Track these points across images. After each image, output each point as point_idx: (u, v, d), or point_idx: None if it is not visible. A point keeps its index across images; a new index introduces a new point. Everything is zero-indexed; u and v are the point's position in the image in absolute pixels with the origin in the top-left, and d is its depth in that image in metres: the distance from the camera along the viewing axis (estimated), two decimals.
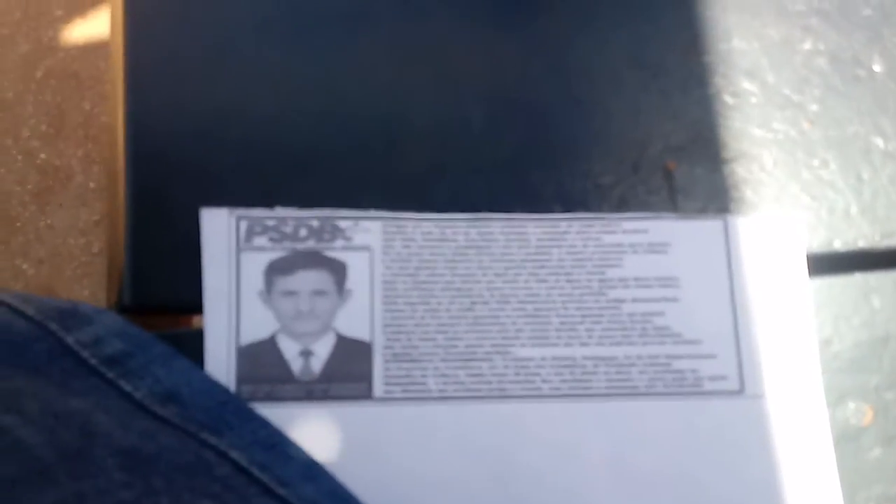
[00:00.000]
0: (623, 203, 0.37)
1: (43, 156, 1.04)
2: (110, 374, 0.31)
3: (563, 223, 0.37)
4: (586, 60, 0.39)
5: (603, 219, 0.37)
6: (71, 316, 0.32)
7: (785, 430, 0.35)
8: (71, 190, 1.04)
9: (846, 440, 0.36)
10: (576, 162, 0.38)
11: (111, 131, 0.41)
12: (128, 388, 0.31)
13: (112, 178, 0.40)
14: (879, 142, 0.38)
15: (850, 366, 0.37)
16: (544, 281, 0.36)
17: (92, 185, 1.04)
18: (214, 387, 0.33)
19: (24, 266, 1.01)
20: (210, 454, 0.29)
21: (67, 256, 1.01)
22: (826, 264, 0.38)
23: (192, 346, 0.34)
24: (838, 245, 0.38)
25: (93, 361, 0.31)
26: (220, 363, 0.34)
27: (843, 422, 0.36)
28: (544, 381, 0.35)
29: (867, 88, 0.39)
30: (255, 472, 0.29)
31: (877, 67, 0.39)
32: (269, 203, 0.36)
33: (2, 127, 1.01)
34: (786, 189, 0.38)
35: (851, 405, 0.36)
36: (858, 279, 0.37)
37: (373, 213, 0.36)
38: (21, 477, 0.24)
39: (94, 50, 1.07)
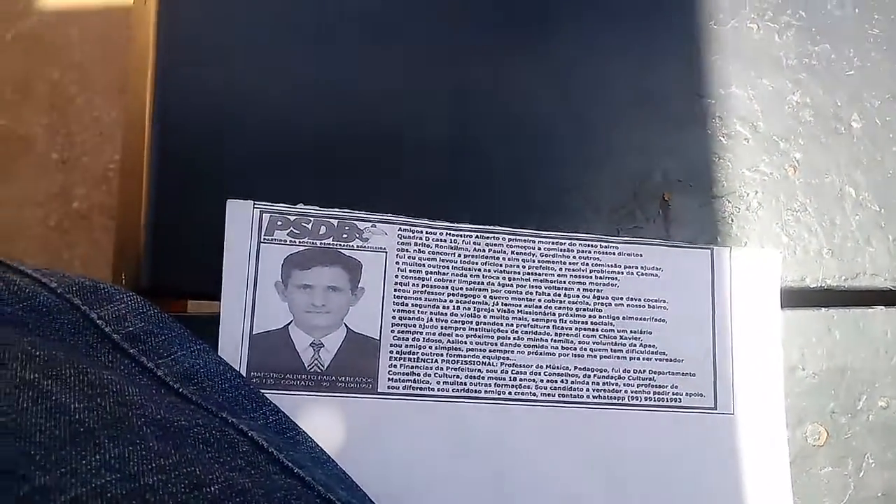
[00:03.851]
0: (621, 227, 0.40)
1: (4, 122, 1.01)
2: (132, 350, 0.32)
3: (566, 241, 0.39)
4: (597, 92, 0.41)
5: (602, 240, 0.39)
6: (92, 292, 0.32)
7: (749, 446, 0.39)
8: (31, 160, 1.01)
9: (802, 458, 0.40)
10: (581, 185, 0.40)
11: (131, 112, 0.41)
12: (150, 364, 0.32)
13: (130, 161, 0.41)
14: (852, 192, 0.42)
15: (811, 391, 0.40)
16: (545, 294, 0.39)
17: (54, 156, 1.02)
18: (229, 370, 0.34)
19: None
20: (231, 431, 0.30)
21: (22, 229, 0.99)
22: (797, 298, 0.41)
23: (203, 331, 0.35)
24: (809, 282, 0.41)
25: (115, 337, 0.31)
26: (232, 349, 0.35)
27: (801, 441, 0.40)
28: (538, 387, 0.38)
29: (845, 142, 0.43)
30: (274, 451, 0.30)
31: (854, 124, 0.43)
32: (286, 201, 0.37)
33: None
34: (767, 227, 0.42)
35: (809, 427, 0.40)
36: (823, 314, 0.41)
37: (390, 217, 0.38)
38: (69, 438, 0.25)
39: (67, 17, 1.04)
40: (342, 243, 0.37)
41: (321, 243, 0.37)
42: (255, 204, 0.37)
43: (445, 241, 0.38)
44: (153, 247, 0.36)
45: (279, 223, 0.37)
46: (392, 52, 0.40)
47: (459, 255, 0.38)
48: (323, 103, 0.39)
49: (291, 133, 0.38)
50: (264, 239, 0.37)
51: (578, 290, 0.39)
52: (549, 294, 0.39)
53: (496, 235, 0.39)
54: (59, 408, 0.26)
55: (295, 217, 0.37)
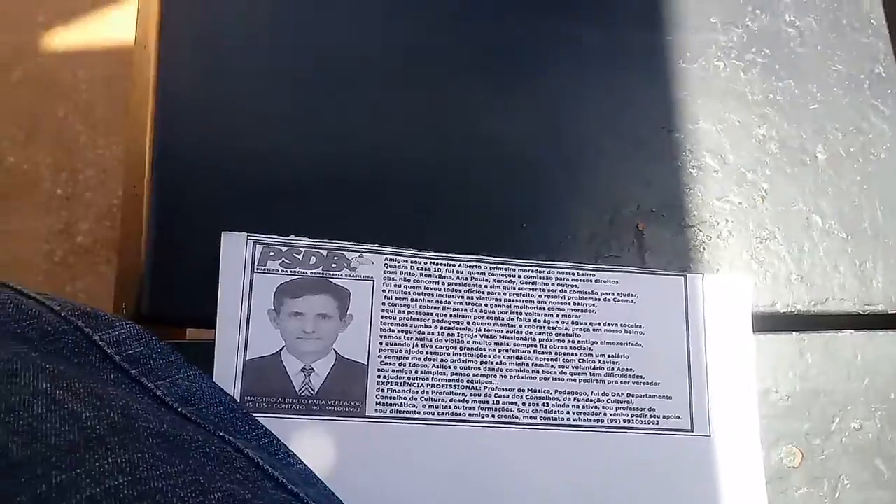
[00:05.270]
0: (598, 255, 0.42)
1: (11, 159, 1.03)
2: (133, 371, 0.33)
3: (545, 269, 0.41)
4: (574, 128, 0.43)
5: (580, 268, 0.41)
6: (93, 317, 0.34)
7: (725, 468, 0.40)
8: (37, 196, 1.03)
9: (778, 479, 0.41)
10: (559, 216, 0.42)
11: (131, 150, 0.43)
12: (150, 385, 0.33)
13: (131, 197, 0.42)
14: (818, 220, 0.44)
15: (785, 413, 0.42)
16: (526, 320, 0.40)
17: (59, 192, 1.03)
18: (223, 395, 0.35)
19: None
20: (229, 448, 0.31)
21: (28, 264, 1.00)
22: (768, 323, 0.43)
23: (200, 357, 0.36)
24: (779, 307, 0.43)
25: (116, 358, 0.33)
26: (227, 374, 0.37)
27: (776, 462, 0.41)
28: (520, 410, 0.39)
29: (810, 172, 0.45)
30: (269, 468, 0.31)
31: (819, 155, 0.45)
32: (277, 233, 0.39)
33: None
34: (738, 254, 0.43)
35: (784, 448, 0.41)
36: (795, 338, 0.43)
37: (377, 247, 0.40)
38: (82, 443, 0.26)
39: (73, 58, 1.07)
40: (331, 273, 0.39)
41: (311, 273, 0.39)
42: (248, 236, 0.38)
43: (430, 269, 0.40)
44: (152, 278, 0.38)
45: (272, 254, 0.39)
46: (379, 92, 0.42)
47: (443, 283, 0.40)
48: (312, 142, 0.41)
49: (285, 169, 0.40)
50: (257, 269, 0.38)
51: (558, 315, 0.40)
52: (529, 320, 0.40)
53: (478, 264, 0.40)
54: (72, 415, 0.27)
55: (287, 248, 0.39)
